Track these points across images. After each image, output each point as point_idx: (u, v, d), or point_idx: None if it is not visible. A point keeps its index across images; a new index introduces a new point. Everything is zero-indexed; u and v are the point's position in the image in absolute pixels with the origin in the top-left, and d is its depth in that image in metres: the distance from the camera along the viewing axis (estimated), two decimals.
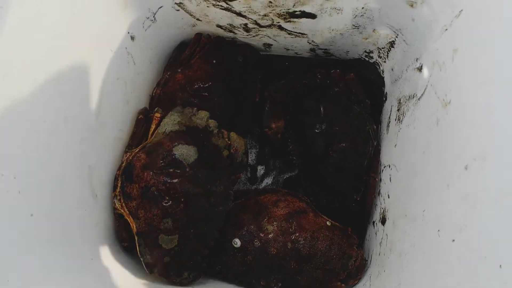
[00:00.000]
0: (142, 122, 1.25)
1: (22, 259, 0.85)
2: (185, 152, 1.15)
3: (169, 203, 1.10)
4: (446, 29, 0.97)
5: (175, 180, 1.11)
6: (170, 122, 1.19)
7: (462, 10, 0.91)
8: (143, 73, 1.30)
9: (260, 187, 1.55)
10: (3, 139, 0.81)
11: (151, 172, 1.11)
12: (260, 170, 1.55)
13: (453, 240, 0.83)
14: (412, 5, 1.04)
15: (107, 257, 1.13)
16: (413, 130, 1.12)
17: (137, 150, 1.16)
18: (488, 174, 0.76)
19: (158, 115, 1.23)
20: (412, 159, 1.11)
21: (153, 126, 1.22)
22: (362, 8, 1.12)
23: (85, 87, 1.04)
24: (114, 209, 1.16)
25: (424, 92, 1.07)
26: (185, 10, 1.22)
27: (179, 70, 1.35)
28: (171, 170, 1.12)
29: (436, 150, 0.97)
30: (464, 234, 0.81)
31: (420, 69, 1.11)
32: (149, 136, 1.22)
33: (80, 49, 1.01)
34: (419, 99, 1.10)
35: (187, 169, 1.14)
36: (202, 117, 1.24)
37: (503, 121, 0.74)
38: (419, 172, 1.05)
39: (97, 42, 1.08)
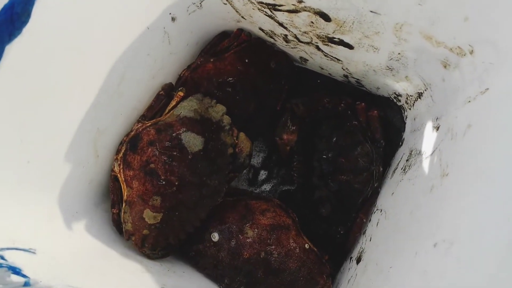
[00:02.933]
0: (162, 97, 1.28)
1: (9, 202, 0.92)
2: (192, 140, 1.18)
3: (162, 183, 1.15)
4: (469, 101, 0.97)
5: (175, 163, 1.16)
6: (187, 107, 1.22)
7: (488, 89, 0.91)
8: (177, 53, 1.32)
9: (257, 190, 1.58)
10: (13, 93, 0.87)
11: (155, 149, 1.15)
12: (262, 174, 1.58)
13: None
14: (445, 66, 1.03)
15: (91, 214, 1.19)
16: (411, 186, 1.12)
17: (149, 124, 1.20)
18: (449, 260, 0.78)
19: (181, 93, 1.27)
20: (399, 213, 1.12)
21: (172, 103, 1.26)
22: (399, 53, 1.11)
23: (112, 56, 1.08)
24: (112, 171, 1.21)
25: (432, 153, 1.06)
26: (231, 6, 1.24)
27: (211, 60, 1.36)
28: (174, 153, 1.16)
29: (420, 216, 0.98)
30: None
31: (436, 129, 1.10)
32: (165, 112, 1.25)
33: (116, 20, 1.05)
34: (426, 158, 1.10)
35: (189, 156, 1.18)
36: (218, 111, 1.27)
37: (480, 217, 0.76)
38: (401, 229, 1.06)
39: (135, 17, 1.11)
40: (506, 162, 0.76)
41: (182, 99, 1.26)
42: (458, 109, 1.01)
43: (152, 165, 1.15)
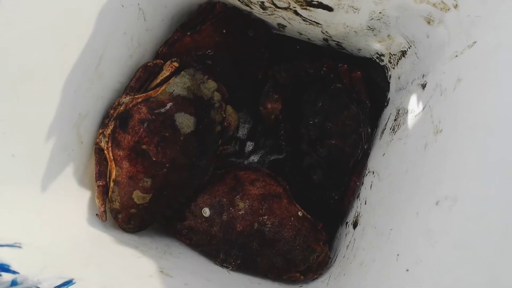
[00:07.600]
0: (150, 68, 1.24)
1: None
2: (185, 121, 1.16)
3: (154, 165, 1.13)
4: (457, 56, 0.96)
5: (167, 145, 1.13)
6: (180, 85, 1.18)
7: (475, 42, 0.90)
8: (153, 29, 1.28)
9: (246, 162, 1.56)
10: None
11: (148, 130, 1.12)
12: (249, 146, 1.56)
13: (407, 270, 0.84)
14: (429, 22, 1.02)
15: (81, 202, 1.14)
16: (403, 146, 1.11)
17: (139, 100, 1.15)
18: (454, 218, 0.77)
19: (176, 64, 1.22)
20: (394, 174, 1.11)
21: (166, 73, 1.21)
22: (380, 12, 1.10)
23: (88, 37, 1.03)
24: (96, 144, 1.16)
25: (421, 111, 1.06)
26: None
27: (188, 34, 1.34)
28: (167, 134, 1.13)
29: (417, 174, 0.97)
30: (418, 268, 0.82)
31: (423, 86, 1.09)
32: (156, 81, 1.22)
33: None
34: (415, 116, 1.09)
35: (181, 138, 1.15)
36: (210, 88, 1.24)
37: (483, 171, 0.74)
38: (397, 190, 1.05)
39: None
40: (501, 115, 0.75)
41: (176, 70, 1.22)
42: (446, 64, 1.00)
43: (144, 146, 1.11)
